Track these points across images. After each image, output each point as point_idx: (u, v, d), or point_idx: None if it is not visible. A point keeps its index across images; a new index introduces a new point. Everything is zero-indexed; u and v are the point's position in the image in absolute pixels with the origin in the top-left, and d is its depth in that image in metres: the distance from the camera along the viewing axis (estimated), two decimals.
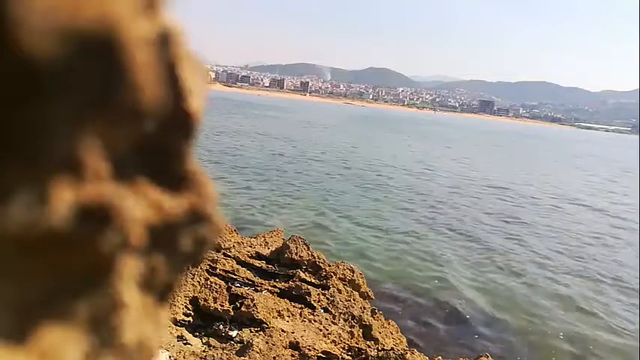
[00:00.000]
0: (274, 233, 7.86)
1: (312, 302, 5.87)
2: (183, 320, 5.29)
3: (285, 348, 4.82)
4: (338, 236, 12.65)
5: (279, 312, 5.53)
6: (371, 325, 5.71)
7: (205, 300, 5.48)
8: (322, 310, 5.81)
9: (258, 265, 6.56)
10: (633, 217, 19.43)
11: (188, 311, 5.39)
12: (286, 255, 6.76)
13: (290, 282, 6.20)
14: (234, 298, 5.64)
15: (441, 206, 17.75)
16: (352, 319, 5.76)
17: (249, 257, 6.69)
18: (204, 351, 4.71)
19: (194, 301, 5.48)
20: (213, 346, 4.89)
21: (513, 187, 24.32)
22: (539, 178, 29.51)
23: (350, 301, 6.08)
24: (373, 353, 5.03)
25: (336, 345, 5.30)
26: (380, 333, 5.76)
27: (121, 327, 0.27)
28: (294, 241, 6.96)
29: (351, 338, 5.47)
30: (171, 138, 0.28)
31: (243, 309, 5.35)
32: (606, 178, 34.23)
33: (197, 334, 5.22)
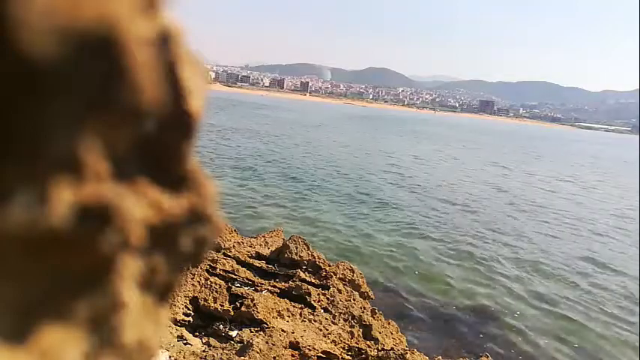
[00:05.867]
0: (274, 233, 7.86)
1: (312, 302, 5.87)
2: (183, 320, 5.29)
3: (285, 348, 4.82)
4: (338, 236, 12.66)
5: (279, 312, 5.53)
6: (371, 325, 5.71)
7: (205, 300, 5.48)
8: (322, 310, 5.81)
9: (258, 265, 6.56)
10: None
11: (188, 311, 5.39)
12: (286, 255, 6.76)
13: (290, 282, 6.20)
14: (234, 298, 5.64)
15: (442, 208, 17.76)
16: (352, 319, 5.76)
17: (249, 257, 6.69)
18: (204, 351, 4.71)
19: (194, 301, 5.48)
20: (213, 346, 4.89)
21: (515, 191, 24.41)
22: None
23: (350, 301, 6.08)
24: (373, 353, 5.03)
25: (336, 345, 5.30)
26: (380, 333, 5.76)
27: (121, 327, 0.27)
28: (294, 241, 6.96)
29: (351, 338, 5.47)
30: (171, 138, 0.28)
31: (243, 309, 5.35)
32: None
33: (197, 334, 5.22)
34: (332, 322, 5.66)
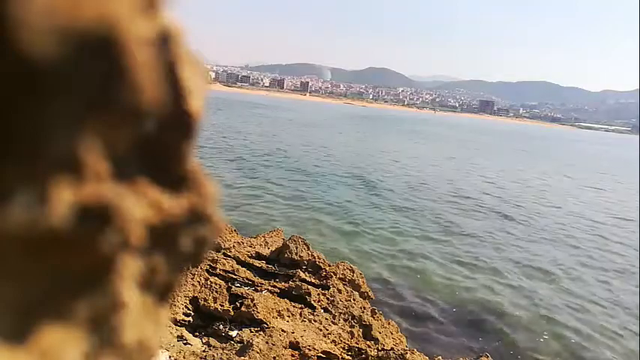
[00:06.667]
0: (274, 233, 7.86)
1: (312, 302, 5.87)
2: (183, 320, 5.29)
3: (285, 348, 4.82)
4: (337, 235, 12.66)
5: (279, 312, 5.53)
6: (371, 325, 5.71)
7: (205, 300, 5.48)
8: (322, 310, 5.81)
9: (258, 265, 6.56)
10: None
11: (188, 311, 5.39)
12: (286, 255, 6.76)
13: (290, 282, 6.20)
14: (234, 298, 5.64)
15: (442, 209, 17.76)
16: (352, 319, 5.76)
17: (249, 257, 6.69)
18: (204, 351, 4.71)
19: (194, 301, 5.48)
20: (213, 346, 4.89)
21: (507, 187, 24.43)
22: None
23: (350, 301, 6.08)
24: (373, 353, 5.03)
25: (336, 345, 5.30)
26: (380, 333, 5.76)
27: (121, 327, 0.27)
28: (294, 241, 6.96)
29: (351, 338, 5.47)
30: (171, 138, 0.28)
31: (243, 309, 5.35)
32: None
33: (197, 334, 5.22)
34: (332, 322, 5.66)
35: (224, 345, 4.86)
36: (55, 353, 0.24)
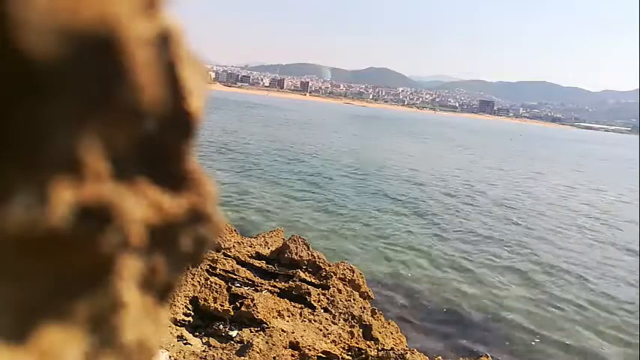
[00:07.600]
0: (274, 233, 7.86)
1: (312, 302, 5.87)
2: (183, 320, 5.29)
3: (285, 348, 4.82)
4: (336, 236, 12.66)
5: (279, 312, 5.53)
6: (371, 325, 5.71)
7: (205, 300, 5.48)
8: (322, 310, 5.81)
9: (258, 265, 6.56)
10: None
11: (188, 311, 5.39)
12: (286, 255, 6.76)
13: (290, 282, 6.20)
14: (234, 298, 5.65)
15: (442, 210, 17.76)
16: (352, 319, 5.76)
17: (249, 257, 6.69)
18: (204, 351, 4.71)
19: (194, 301, 5.48)
20: (213, 346, 4.89)
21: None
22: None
23: (350, 301, 6.08)
24: (373, 353, 5.03)
25: (336, 345, 5.30)
26: (380, 333, 5.76)
27: (121, 327, 0.27)
28: (294, 241, 6.96)
29: (351, 338, 5.47)
30: (171, 138, 0.28)
31: (243, 309, 5.35)
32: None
33: (197, 334, 5.22)
34: (332, 322, 5.66)
35: (224, 345, 4.86)
36: (55, 353, 0.24)
